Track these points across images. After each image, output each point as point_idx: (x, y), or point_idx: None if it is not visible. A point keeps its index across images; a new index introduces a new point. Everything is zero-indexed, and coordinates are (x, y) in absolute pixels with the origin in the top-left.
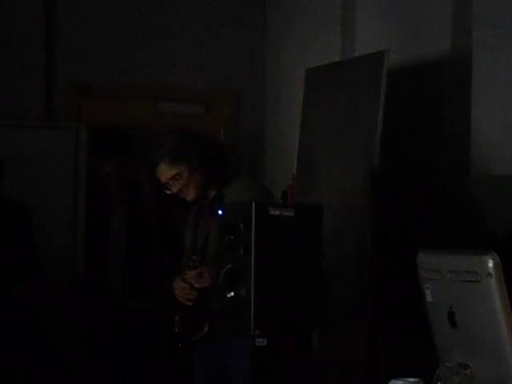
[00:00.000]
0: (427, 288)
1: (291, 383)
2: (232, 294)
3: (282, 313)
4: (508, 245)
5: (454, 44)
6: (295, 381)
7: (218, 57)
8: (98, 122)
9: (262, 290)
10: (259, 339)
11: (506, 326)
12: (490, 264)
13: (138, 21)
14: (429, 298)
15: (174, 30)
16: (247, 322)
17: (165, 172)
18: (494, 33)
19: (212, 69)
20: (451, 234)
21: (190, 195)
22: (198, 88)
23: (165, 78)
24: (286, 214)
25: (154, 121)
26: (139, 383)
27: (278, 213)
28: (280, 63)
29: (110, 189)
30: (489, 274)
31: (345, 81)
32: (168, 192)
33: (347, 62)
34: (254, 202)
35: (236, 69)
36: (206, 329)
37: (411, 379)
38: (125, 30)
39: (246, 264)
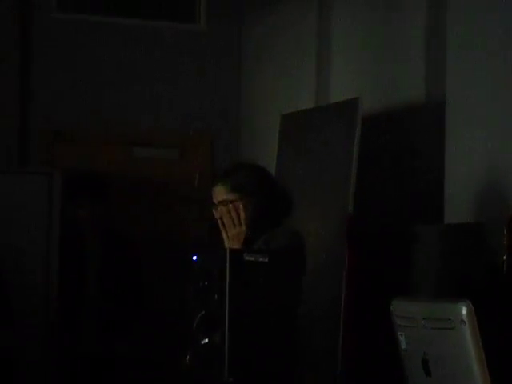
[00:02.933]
0: (401, 335)
1: None
2: (206, 340)
3: (255, 360)
4: (481, 293)
5: (428, 91)
6: None
7: (192, 101)
8: (72, 167)
9: (237, 336)
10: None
11: (479, 373)
12: (464, 311)
13: (112, 67)
14: (403, 345)
15: (149, 75)
16: (221, 368)
17: (221, 193)
18: (467, 79)
19: (186, 113)
20: (425, 282)
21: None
22: (173, 132)
23: (139, 123)
24: (260, 259)
25: (129, 166)
26: None
27: (252, 259)
28: (255, 108)
29: (84, 233)
30: (462, 322)
31: (319, 127)
32: (214, 213)
33: (321, 109)
34: (228, 248)
35: (211, 113)
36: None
37: None
38: (97, 76)
39: (220, 310)
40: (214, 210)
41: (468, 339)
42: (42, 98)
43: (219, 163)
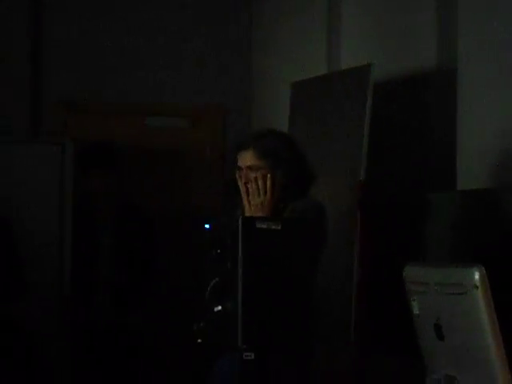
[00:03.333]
0: (414, 300)
1: None
2: (219, 307)
3: (269, 327)
4: (495, 259)
5: (440, 57)
6: None
7: (204, 72)
8: (85, 137)
9: (250, 303)
10: (247, 353)
11: (492, 337)
12: (477, 276)
13: (127, 38)
14: (416, 310)
15: (162, 47)
16: (235, 336)
17: (250, 158)
18: (478, 45)
19: (199, 84)
20: (438, 248)
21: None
22: (185, 103)
23: (152, 94)
24: (273, 227)
25: (142, 135)
26: None
27: (265, 226)
28: (266, 77)
29: (97, 204)
30: (475, 286)
31: (331, 94)
32: (238, 178)
33: (333, 76)
34: (240, 217)
35: (222, 84)
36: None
37: None
38: (113, 47)
39: (233, 278)
40: (237, 175)
41: (481, 304)
42: (54, 69)
43: (231, 134)
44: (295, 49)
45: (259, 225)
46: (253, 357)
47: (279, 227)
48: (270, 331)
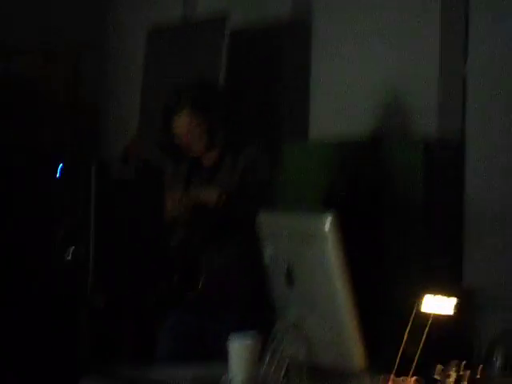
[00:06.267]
0: (266, 247)
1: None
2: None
3: (121, 275)
4: (343, 205)
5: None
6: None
7: (60, 15)
8: None
9: (103, 250)
10: (97, 300)
11: (341, 283)
12: (327, 223)
13: None
14: (267, 256)
15: None
16: (85, 285)
17: (184, 121)
18: None
19: (54, 27)
20: (291, 199)
21: (197, 151)
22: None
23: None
24: (128, 176)
25: None
26: None
27: (120, 175)
28: (121, 20)
29: None
30: (325, 233)
31: (186, 45)
32: (178, 139)
33: (189, 27)
34: (93, 165)
35: (79, 27)
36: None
37: (248, 334)
38: None
39: (84, 225)
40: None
41: (331, 250)
42: None
43: (86, 79)
44: None
45: (113, 174)
46: (102, 305)
47: (133, 177)
48: (122, 279)
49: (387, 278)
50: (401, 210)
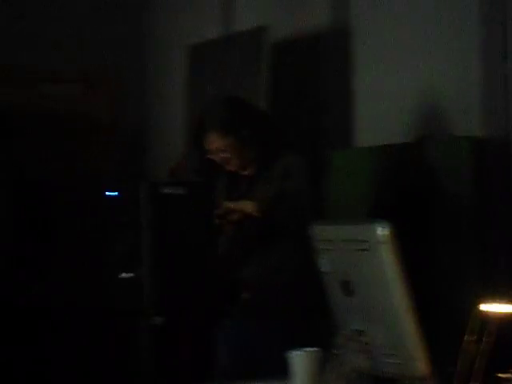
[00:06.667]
0: (322, 258)
1: (187, 362)
2: (127, 274)
3: (178, 292)
4: (397, 214)
5: (335, 18)
6: (191, 360)
7: (96, 39)
8: None
9: (158, 269)
10: (156, 318)
11: (398, 291)
12: (380, 232)
13: (17, 2)
14: (324, 268)
15: (54, 12)
16: (144, 300)
17: (215, 142)
18: (372, 6)
19: (91, 51)
20: (342, 207)
21: (232, 167)
22: (78, 70)
23: (45, 61)
24: (178, 192)
25: (34, 102)
26: None
27: (170, 191)
28: (160, 40)
29: None
30: (379, 242)
31: (227, 57)
32: (211, 157)
33: (229, 38)
34: (142, 182)
35: (115, 50)
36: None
37: (309, 349)
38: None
39: (140, 245)
40: (210, 156)
41: (386, 259)
42: None
43: (125, 99)
44: (189, 10)
45: (164, 190)
46: (161, 322)
47: (185, 192)
48: (179, 296)
49: (443, 285)
50: (452, 213)
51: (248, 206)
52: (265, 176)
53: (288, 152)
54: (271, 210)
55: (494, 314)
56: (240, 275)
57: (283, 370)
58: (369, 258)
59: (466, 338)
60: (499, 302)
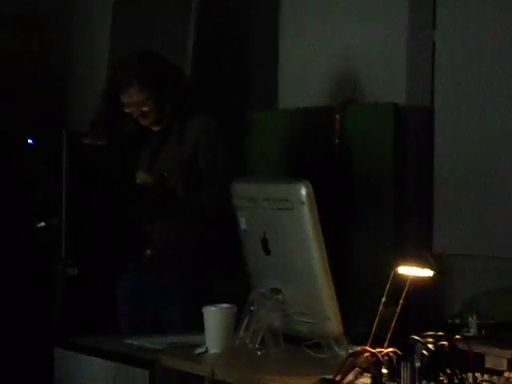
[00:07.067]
0: (242, 216)
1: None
2: (43, 223)
3: (93, 243)
4: (317, 174)
5: None
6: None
7: None
8: None
9: (74, 219)
10: (70, 269)
11: (317, 252)
12: (303, 192)
13: None
14: (243, 225)
15: None
16: (59, 251)
17: (133, 96)
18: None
19: None
20: (264, 167)
21: (149, 121)
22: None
23: None
24: (98, 143)
25: None
26: None
27: (89, 141)
28: None
29: None
30: (301, 202)
31: (153, 16)
32: (127, 111)
33: None
34: (64, 131)
35: None
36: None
37: (224, 305)
38: None
39: (56, 193)
40: (126, 110)
41: (306, 219)
42: None
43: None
44: None
45: (85, 140)
46: (76, 272)
47: (105, 143)
48: (95, 247)
49: (360, 247)
50: (371, 175)
51: (148, 178)
52: (177, 134)
53: (202, 112)
54: (172, 181)
55: (410, 276)
56: (145, 232)
57: (184, 326)
58: (289, 217)
59: (382, 300)
60: (415, 266)
